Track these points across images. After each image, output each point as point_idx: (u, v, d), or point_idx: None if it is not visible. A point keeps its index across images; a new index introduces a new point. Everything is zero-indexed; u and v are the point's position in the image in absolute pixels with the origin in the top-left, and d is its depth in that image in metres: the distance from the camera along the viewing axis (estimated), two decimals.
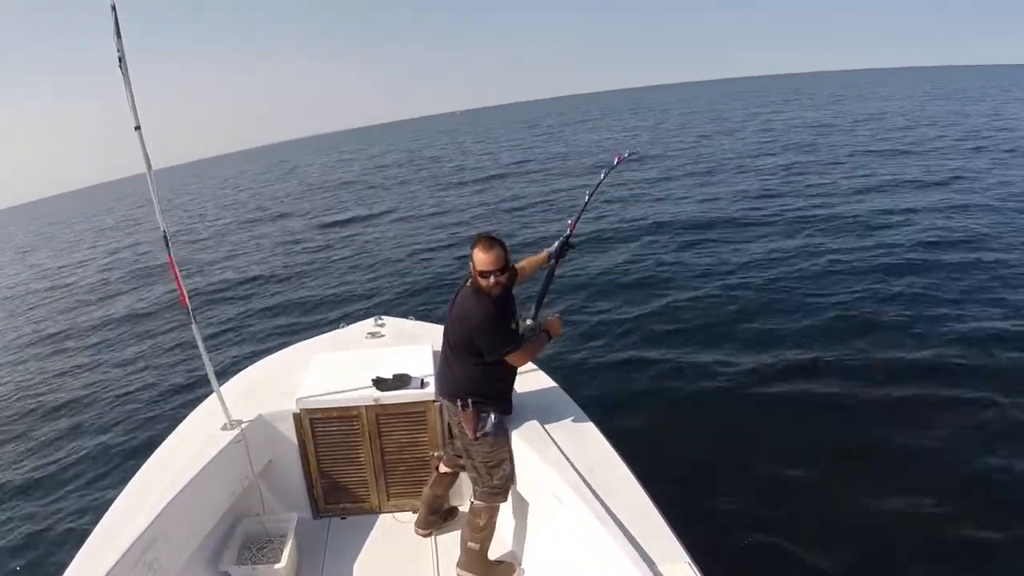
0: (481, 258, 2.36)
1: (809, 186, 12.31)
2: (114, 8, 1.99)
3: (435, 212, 14.74)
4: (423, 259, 10.47)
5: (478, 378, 2.50)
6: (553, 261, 2.87)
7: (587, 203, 3.07)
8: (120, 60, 2.05)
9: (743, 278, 7.52)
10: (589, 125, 39.64)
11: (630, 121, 39.31)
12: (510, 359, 2.48)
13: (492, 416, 2.53)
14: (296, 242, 13.75)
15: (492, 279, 2.36)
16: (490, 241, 2.39)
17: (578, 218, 2.99)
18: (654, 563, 1.86)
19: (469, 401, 2.49)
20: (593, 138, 29.42)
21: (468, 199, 15.91)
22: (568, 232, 2.93)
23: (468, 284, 2.50)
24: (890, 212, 9.66)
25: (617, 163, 3.17)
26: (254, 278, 10.93)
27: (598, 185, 3.09)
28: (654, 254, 8.96)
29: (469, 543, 2.56)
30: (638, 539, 1.96)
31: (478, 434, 2.52)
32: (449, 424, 2.78)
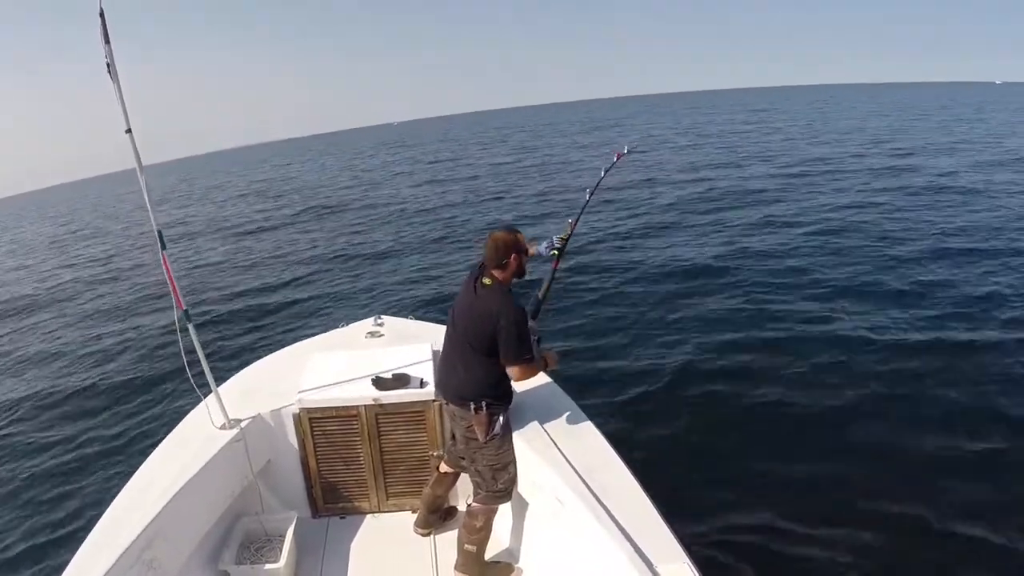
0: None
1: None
2: (102, 15, 1.96)
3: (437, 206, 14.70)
4: (421, 259, 10.46)
5: (493, 379, 2.45)
6: (553, 263, 2.83)
7: (587, 202, 3.03)
8: (109, 66, 2.02)
9: (745, 281, 7.52)
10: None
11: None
12: (520, 368, 2.40)
13: (501, 417, 2.49)
14: (293, 243, 13.72)
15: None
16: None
17: (578, 218, 2.94)
18: (652, 563, 1.86)
19: (483, 404, 2.42)
20: None
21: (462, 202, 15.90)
22: (568, 232, 2.88)
23: (487, 281, 2.42)
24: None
25: (617, 159, 3.13)
26: (252, 277, 10.91)
27: (598, 184, 3.06)
28: (655, 259, 8.96)
29: (466, 545, 2.55)
30: (637, 539, 1.96)
31: (488, 437, 2.47)
32: (452, 428, 2.71)
